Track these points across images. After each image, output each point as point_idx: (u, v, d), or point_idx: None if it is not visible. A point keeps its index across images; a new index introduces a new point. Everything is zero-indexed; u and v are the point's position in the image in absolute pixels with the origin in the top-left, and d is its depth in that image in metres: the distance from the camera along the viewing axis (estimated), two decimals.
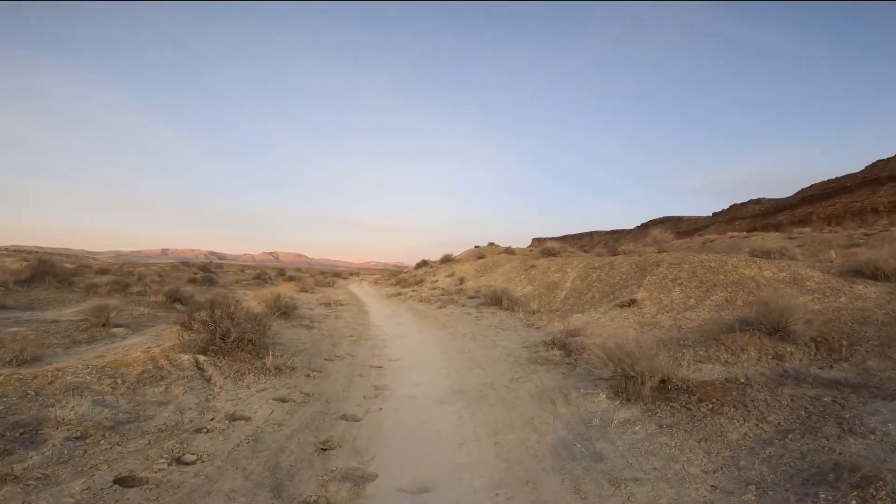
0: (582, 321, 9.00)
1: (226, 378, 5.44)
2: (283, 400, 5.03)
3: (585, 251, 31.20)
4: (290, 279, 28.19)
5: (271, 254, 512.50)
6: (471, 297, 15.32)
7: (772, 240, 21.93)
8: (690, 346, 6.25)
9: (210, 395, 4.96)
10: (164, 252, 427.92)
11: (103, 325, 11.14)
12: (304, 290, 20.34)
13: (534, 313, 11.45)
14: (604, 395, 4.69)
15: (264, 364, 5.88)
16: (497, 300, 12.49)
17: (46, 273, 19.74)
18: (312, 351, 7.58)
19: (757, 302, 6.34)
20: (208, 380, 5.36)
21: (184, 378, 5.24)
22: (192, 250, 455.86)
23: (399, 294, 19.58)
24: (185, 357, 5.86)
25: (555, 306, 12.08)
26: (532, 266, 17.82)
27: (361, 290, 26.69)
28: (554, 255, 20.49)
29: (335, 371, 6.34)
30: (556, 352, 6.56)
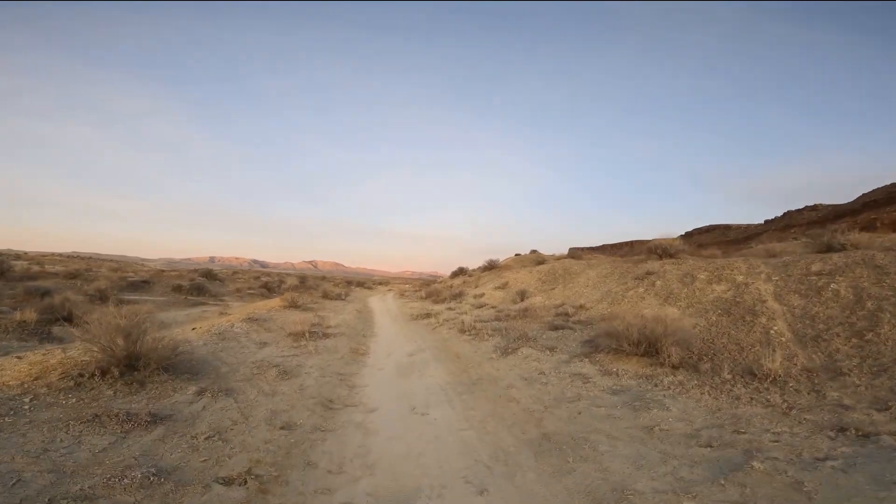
0: None
1: None
2: None
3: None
4: (294, 289, 22.22)
5: (311, 262, 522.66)
6: (556, 328, 8.27)
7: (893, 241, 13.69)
8: None
9: None
10: (212, 260, 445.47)
11: None
12: (293, 305, 14.02)
13: (783, 384, 4.27)
14: None
15: None
16: (648, 343, 5.38)
17: None
18: None
19: None
20: None
21: None
22: (237, 258, 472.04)
23: (428, 315, 12.76)
24: None
25: (800, 360, 4.86)
26: (648, 273, 10.55)
27: (382, 304, 20.19)
28: (671, 256, 13.06)
29: None
30: None
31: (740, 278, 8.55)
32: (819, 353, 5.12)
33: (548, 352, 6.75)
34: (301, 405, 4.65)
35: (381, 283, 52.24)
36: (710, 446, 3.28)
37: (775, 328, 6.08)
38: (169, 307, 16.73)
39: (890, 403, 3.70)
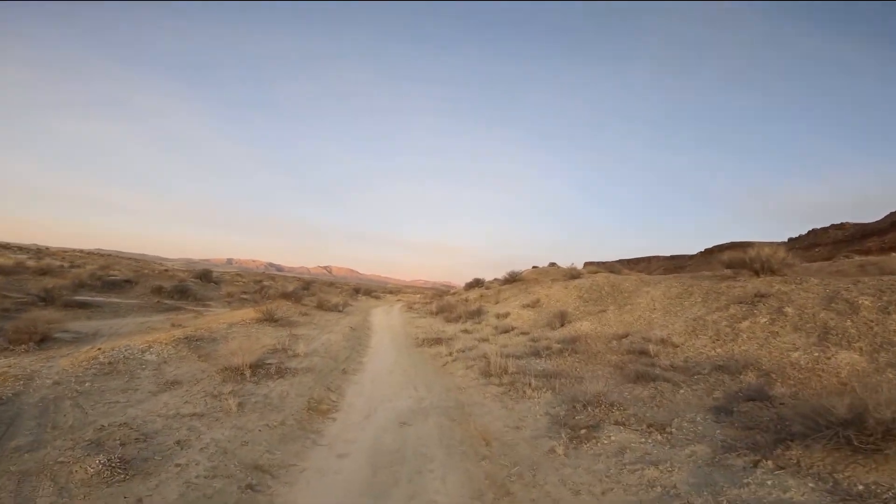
0: None
1: None
2: None
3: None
4: (285, 296, 19.37)
5: (325, 268, 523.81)
6: (639, 378, 5.06)
7: None
8: None
9: None
10: (229, 261, 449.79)
11: None
12: (268, 318, 11.10)
13: None
14: None
15: None
16: None
17: None
18: None
19: None
20: None
21: None
22: (254, 261, 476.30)
23: (438, 341, 9.61)
24: None
25: None
26: (759, 295, 7.23)
27: (386, 318, 17.12)
28: (772, 271, 9.66)
29: None
30: None
31: None
32: None
33: (658, 435, 3.57)
34: None
35: (391, 292, 49.27)
36: None
37: None
38: (131, 312, 14.01)
39: None
